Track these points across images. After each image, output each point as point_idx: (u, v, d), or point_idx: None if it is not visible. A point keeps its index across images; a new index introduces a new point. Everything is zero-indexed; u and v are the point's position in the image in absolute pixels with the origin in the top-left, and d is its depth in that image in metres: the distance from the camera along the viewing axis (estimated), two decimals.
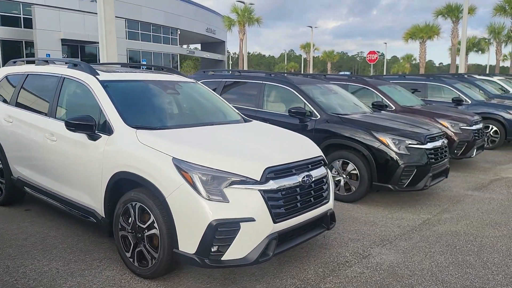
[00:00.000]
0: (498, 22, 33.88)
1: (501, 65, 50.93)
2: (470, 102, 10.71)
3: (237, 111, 4.82)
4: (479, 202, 5.96)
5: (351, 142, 5.61)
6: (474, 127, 8.09)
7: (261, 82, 6.72)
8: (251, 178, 3.07)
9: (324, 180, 3.70)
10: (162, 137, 3.38)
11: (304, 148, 3.80)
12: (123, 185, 3.41)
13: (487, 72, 39.83)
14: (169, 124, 3.81)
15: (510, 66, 26.42)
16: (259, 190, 3.07)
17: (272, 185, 3.14)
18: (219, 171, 3.03)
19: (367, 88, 8.95)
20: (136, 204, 3.28)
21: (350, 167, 5.64)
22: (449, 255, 4.06)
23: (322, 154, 3.89)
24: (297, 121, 6.11)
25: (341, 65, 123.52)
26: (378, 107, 8.38)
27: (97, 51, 33.40)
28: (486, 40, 40.02)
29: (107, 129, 3.58)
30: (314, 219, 3.56)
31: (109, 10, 7.89)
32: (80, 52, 32.70)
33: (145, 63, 34.57)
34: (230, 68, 44.06)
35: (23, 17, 28.92)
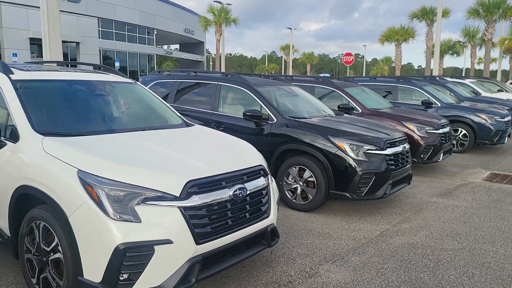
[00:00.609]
0: (473, 26, 34.42)
1: (477, 68, 51.86)
2: (439, 105, 10.55)
3: (178, 114, 4.41)
4: (442, 210, 5.69)
5: (307, 147, 5.26)
6: (441, 131, 7.87)
7: (217, 83, 6.32)
8: (169, 194, 2.67)
9: (264, 192, 3.32)
10: (72, 145, 2.93)
11: (242, 156, 3.40)
12: (29, 201, 2.96)
13: (464, 75, 40.42)
14: (87, 130, 3.36)
15: (483, 69, 26.66)
16: (179, 207, 2.67)
17: (195, 201, 2.74)
18: (130, 185, 2.62)
19: (334, 91, 8.67)
20: (40, 223, 2.84)
21: (307, 174, 5.29)
22: (402, 272, 3.74)
23: (263, 163, 3.50)
24: (253, 125, 5.73)
25: (323, 67, 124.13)
26: (344, 109, 8.11)
27: (68, 50, 32.51)
28: (461, 43, 40.67)
29: (13, 136, 3.13)
30: (251, 236, 3.17)
31: (53, 5, 7.39)
32: None
33: (118, 63, 33.81)
34: (207, 69, 43.57)
35: None
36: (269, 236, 3.38)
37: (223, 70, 34.25)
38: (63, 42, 29.24)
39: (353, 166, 4.99)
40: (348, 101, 8.36)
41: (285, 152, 5.49)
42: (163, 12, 43.52)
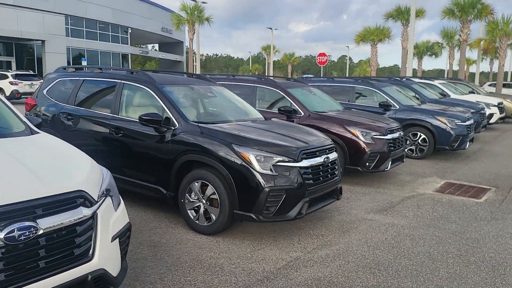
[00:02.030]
0: (451, 27, 34.05)
1: (457, 69, 51.81)
2: (398, 107, 9.83)
3: (24, 119, 3.51)
4: (374, 230, 4.90)
5: (208, 158, 4.41)
6: (389, 136, 7.10)
7: (120, 81, 5.44)
8: None
9: (79, 229, 2.44)
10: None
11: (48, 179, 2.51)
12: None
13: (446, 76, 40.06)
14: None
15: (459, 70, 26.23)
16: None
17: None
18: None
19: (276, 91, 7.86)
20: None
21: (210, 190, 4.44)
22: None
23: (82, 188, 2.60)
24: (152, 131, 4.86)
25: (309, 68, 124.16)
26: (285, 112, 7.33)
27: (35, 49, 31.22)
28: (440, 44, 40.37)
29: None
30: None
31: None
32: (15, 50, 30.36)
33: (85, 62, 32.57)
34: (187, 70, 42.54)
35: None
36: (92, 285, 2.51)
37: (198, 70, 33.31)
38: (28, 40, 28.03)
39: (259, 181, 4.16)
40: (291, 103, 7.56)
41: (187, 164, 4.63)
42: (138, 10, 42.33)
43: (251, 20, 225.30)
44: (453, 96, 14.64)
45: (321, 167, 4.62)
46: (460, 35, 25.23)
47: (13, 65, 29.94)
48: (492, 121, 14.67)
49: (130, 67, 43.53)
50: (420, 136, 9.50)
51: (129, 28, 41.59)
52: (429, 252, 4.28)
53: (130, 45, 44.74)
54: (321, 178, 4.62)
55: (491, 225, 5.20)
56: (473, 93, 17.36)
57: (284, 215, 4.27)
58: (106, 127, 5.25)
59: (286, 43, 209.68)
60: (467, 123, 9.62)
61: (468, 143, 9.55)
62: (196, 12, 30.36)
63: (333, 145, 5.05)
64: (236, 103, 6.04)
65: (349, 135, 6.91)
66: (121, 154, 5.22)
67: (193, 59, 33.08)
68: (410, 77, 15.73)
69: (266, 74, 55.99)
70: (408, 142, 9.62)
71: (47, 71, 30.89)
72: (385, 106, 9.78)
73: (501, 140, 12.92)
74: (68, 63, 32.65)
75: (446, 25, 43.64)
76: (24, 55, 30.80)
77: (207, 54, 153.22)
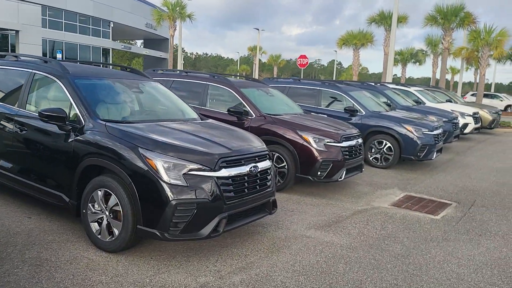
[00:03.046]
0: (436, 34, 33.85)
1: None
2: (364, 113, 9.31)
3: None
4: (308, 251, 4.32)
5: (110, 163, 3.79)
6: (344, 144, 6.54)
7: (30, 71, 4.77)
8: None
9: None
10: None
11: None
12: None
13: (431, 84, 39.93)
14: None
15: (440, 78, 25.94)
16: None
17: None
18: None
19: (228, 90, 7.26)
20: None
21: (113, 201, 3.81)
22: None
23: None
24: (55, 128, 4.21)
25: (299, 71, 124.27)
26: (235, 113, 6.76)
27: (9, 40, 30.14)
28: (424, 52, 40.22)
29: None
30: None
31: None
32: None
33: (59, 55, 31.56)
34: (174, 67, 41.72)
35: None
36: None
37: (180, 68, 32.56)
38: (1, 29, 26.97)
39: (166, 193, 3.54)
40: (243, 104, 6.97)
41: (92, 169, 4.00)
42: (121, 4, 41.30)
43: (245, 21, 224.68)
44: (428, 104, 14.22)
45: (246, 177, 4.02)
46: (442, 43, 24.94)
47: None
48: (466, 131, 14.29)
49: (111, 62, 42.54)
50: (386, 144, 8.99)
51: (111, 22, 40.57)
52: (360, 280, 3.71)
53: (112, 40, 43.73)
54: (246, 190, 4.02)
55: (440, 247, 4.67)
56: (451, 101, 17.01)
57: (194, 232, 3.66)
58: (11, 122, 4.60)
59: (278, 45, 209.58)
60: (435, 132, 9.15)
61: (435, 153, 9.08)
62: (178, 8, 29.60)
63: (265, 152, 4.45)
64: (168, 101, 5.44)
65: (300, 141, 6.34)
66: (25, 155, 4.57)
67: (182, 57, 32.40)
68: (385, 82, 15.28)
69: (253, 75, 55.42)
70: (373, 150, 9.12)
71: None
72: (351, 112, 9.26)
73: (474, 151, 12.52)
74: (44, 54, 31.56)
75: (431, 32, 43.56)
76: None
77: (197, 53, 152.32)
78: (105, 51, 41.36)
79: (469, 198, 7.01)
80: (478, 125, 15.24)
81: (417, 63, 42.71)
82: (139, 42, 69.02)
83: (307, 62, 24.07)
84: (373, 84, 13.24)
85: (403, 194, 7.10)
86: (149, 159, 3.62)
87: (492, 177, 8.72)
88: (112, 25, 40.79)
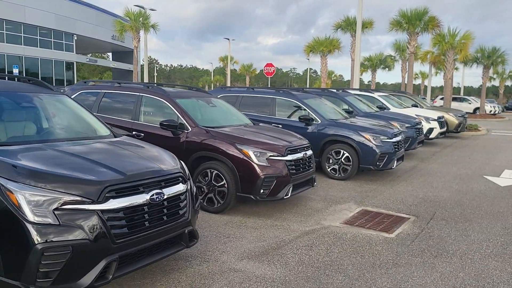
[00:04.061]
0: (404, 40, 34.01)
1: (414, 82, 52.39)
2: (320, 121, 8.74)
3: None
4: None
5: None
6: (289, 157, 5.90)
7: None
8: None
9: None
10: None
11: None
12: None
13: (405, 90, 40.07)
14: None
15: (407, 82, 25.89)
16: None
17: None
18: None
19: (162, 101, 6.55)
20: None
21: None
22: None
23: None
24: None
25: (275, 80, 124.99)
26: (168, 127, 6.07)
27: None
28: (392, 57, 40.48)
29: None
30: None
31: None
32: None
33: (16, 69, 30.20)
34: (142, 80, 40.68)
35: None
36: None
37: (146, 80, 31.66)
38: None
39: (31, 235, 2.79)
40: (177, 116, 6.27)
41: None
42: (85, 16, 40.08)
43: (221, 33, 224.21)
44: (392, 109, 13.84)
45: (145, 207, 3.30)
46: (408, 48, 24.88)
47: None
48: (432, 136, 13.95)
49: (75, 75, 41.12)
50: (343, 154, 8.43)
51: (75, 35, 39.30)
52: None
53: (78, 53, 42.44)
54: (146, 223, 3.30)
55: (388, 275, 4.05)
56: (416, 106, 16.74)
57: (74, 282, 2.91)
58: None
59: (255, 55, 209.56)
60: (395, 139, 8.65)
61: (395, 162, 8.56)
62: (141, 19, 28.75)
63: (177, 175, 3.71)
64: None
65: (240, 156, 5.66)
66: None
67: (147, 68, 31.50)
68: (348, 89, 14.85)
69: (227, 85, 54.73)
70: (331, 161, 8.54)
71: None
72: (306, 121, 8.68)
73: (439, 156, 12.13)
74: (1, 70, 30.17)
75: (398, 38, 44.04)
76: None
77: (171, 64, 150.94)
78: (69, 65, 39.99)
79: (429, 210, 6.47)
80: (444, 129, 14.94)
81: (387, 69, 42.96)
82: (110, 55, 67.65)
83: (273, 71, 23.59)
84: (334, 90, 12.76)
85: (359, 209, 6.51)
86: (9, 190, 2.86)
87: (455, 185, 8.25)
88: (75, 38, 39.52)
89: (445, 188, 7.94)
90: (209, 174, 5.84)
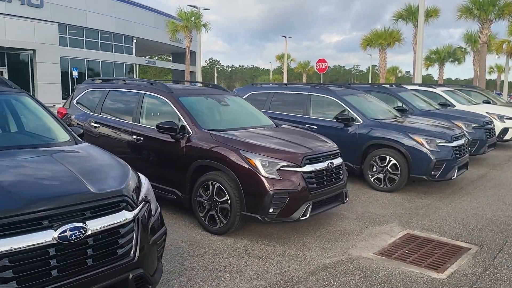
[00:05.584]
0: (475, 30, 30.76)
1: (488, 77, 47.76)
2: (361, 121, 7.37)
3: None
4: None
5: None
6: (308, 168, 4.64)
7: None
8: None
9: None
10: None
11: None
12: None
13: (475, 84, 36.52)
14: None
15: (479, 75, 23.03)
16: None
17: None
18: None
19: (164, 100, 5.61)
20: None
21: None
22: None
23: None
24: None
25: (338, 79, 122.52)
26: (165, 130, 5.16)
27: (28, 59, 30.25)
28: (462, 49, 36.78)
29: None
30: None
31: None
32: (7, 60, 29.37)
33: (75, 72, 31.26)
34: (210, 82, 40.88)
35: None
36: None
37: (200, 80, 31.50)
38: (19, 50, 26.99)
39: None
40: (178, 117, 5.30)
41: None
42: (143, 19, 40.92)
43: (283, 32, 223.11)
44: (458, 106, 11.93)
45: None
46: (479, 37, 22.14)
47: (5, 75, 28.99)
48: (507, 137, 11.83)
49: (135, 76, 42.19)
50: (390, 160, 6.99)
51: (134, 38, 40.25)
52: None
53: (138, 56, 43.55)
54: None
55: None
56: (489, 103, 14.51)
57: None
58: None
59: (318, 54, 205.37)
60: (455, 143, 7.05)
61: (456, 171, 6.96)
62: (193, 18, 28.52)
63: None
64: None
65: (245, 166, 4.53)
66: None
67: (215, 70, 31.36)
68: (405, 84, 13.07)
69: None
70: (374, 169, 7.15)
71: (39, 81, 29.80)
72: (344, 121, 7.36)
73: None
74: (63, 73, 31.50)
75: (468, 28, 39.97)
76: (16, 65, 29.77)
77: (232, 65, 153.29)
78: (129, 67, 41.11)
79: (498, 237, 4.94)
80: None
81: (456, 62, 39.27)
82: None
83: (326, 67, 22.06)
84: (387, 86, 11.18)
85: (403, 232, 5.14)
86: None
87: None
88: (135, 41, 40.47)
89: None
90: (210, 187, 4.80)
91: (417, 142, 6.81)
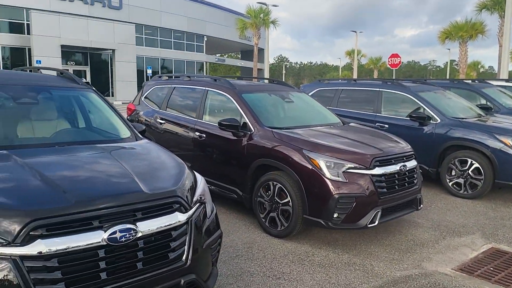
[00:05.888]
0: None
1: None
2: (439, 120, 6.73)
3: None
4: None
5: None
6: (377, 171, 4.25)
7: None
8: None
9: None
10: None
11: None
12: None
13: None
14: None
15: None
16: None
17: None
18: None
19: (227, 97, 5.49)
20: None
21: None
22: None
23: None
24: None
25: (412, 75, 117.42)
26: (227, 127, 5.07)
27: (109, 58, 32.17)
28: None
29: None
30: None
31: None
32: (90, 60, 31.49)
33: (150, 70, 32.65)
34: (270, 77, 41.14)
35: (27, 23, 28.10)
36: None
37: (265, 75, 31.52)
38: (99, 50, 28.81)
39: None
40: (241, 114, 5.15)
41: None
42: (214, 18, 41.81)
43: (354, 28, 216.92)
44: None
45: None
46: None
47: (88, 74, 31.14)
48: None
49: (206, 73, 43.29)
50: (472, 164, 6.31)
51: (205, 36, 41.27)
52: None
53: (209, 54, 44.63)
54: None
55: None
56: None
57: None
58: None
59: (391, 49, 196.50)
60: None
61: None
62: (261, 15, 28.53)
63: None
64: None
65: (308, 166, 4.25)
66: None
67: (284, 66, 31.42)
68: (488, 79, 11.88)
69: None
70: (453, 173, 6.50)
71: (117, 79, 31.60)
72: (419, 119, 6.77)
73: None
74: (139, 71, 33.12)
75: None
76: (98, 64, 31.83)
77: (301, 62, 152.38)
78: (200, 65, 42.27)
79: None
80: None
81: None
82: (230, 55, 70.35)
83: (399, 62, 20.89)
84: (469, 82, 10.23)
85: (487, 246, 4.56)
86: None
87: None
88: (206, 39, 41.50)
89: None
90: (271, 187, 4.58)
91: (505, 144, 6.06)
